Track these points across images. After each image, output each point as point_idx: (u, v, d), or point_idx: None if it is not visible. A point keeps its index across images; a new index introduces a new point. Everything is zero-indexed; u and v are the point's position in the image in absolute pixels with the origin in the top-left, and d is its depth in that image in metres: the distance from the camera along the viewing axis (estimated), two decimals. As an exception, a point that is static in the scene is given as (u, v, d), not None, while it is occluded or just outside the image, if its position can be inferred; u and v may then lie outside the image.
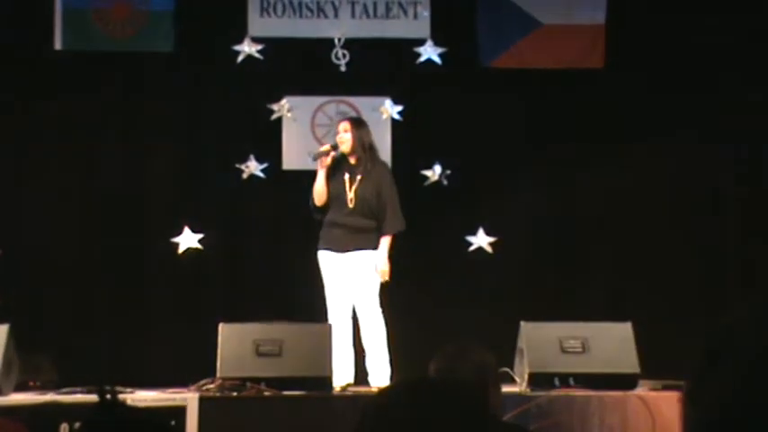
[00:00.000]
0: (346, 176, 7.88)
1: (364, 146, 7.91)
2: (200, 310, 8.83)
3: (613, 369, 7.22)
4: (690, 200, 9.38)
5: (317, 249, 7.90)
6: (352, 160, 7.91)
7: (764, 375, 1.69)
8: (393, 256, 7.84)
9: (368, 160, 7.89)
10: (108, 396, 2.22)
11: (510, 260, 9.29)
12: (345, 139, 7.88)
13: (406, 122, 9.37)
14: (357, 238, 7.82)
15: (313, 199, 7.89)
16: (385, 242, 7.82)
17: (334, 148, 7.93)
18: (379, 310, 7.79)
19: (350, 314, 7.83)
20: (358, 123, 8.06)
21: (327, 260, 7.86)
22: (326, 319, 7.73)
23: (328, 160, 7.89)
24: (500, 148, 9.31)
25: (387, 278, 7.78)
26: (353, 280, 7.79)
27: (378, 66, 9.39)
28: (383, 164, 8.14)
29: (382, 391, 2.28)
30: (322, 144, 8.48)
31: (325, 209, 7.90)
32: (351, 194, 7.85)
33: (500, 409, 4.04)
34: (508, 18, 9.37)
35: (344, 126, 7.96)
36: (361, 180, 7.86)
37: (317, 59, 9.36)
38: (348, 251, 7.81)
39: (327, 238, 7.89)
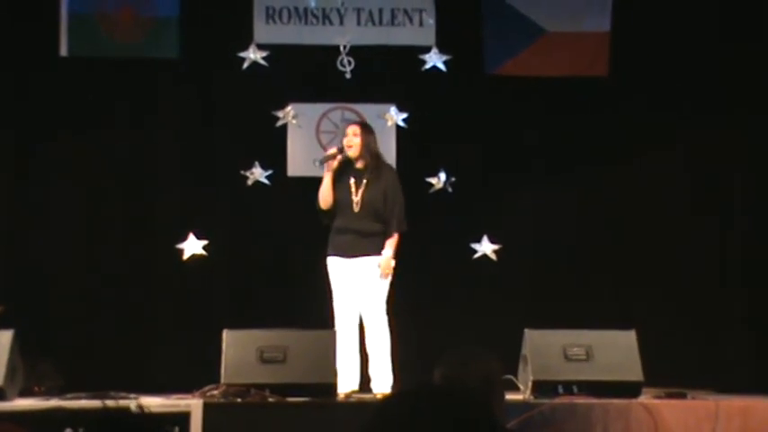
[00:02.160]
0: (352, 180, 7.88)
1: (371, 151, 7.91)
2: (205, 316, 8.84)
3: (617, 377, 7.22)
4: (696, 207, 9.37)
5: (326, 255, 7.92)
6: (359, 165, 7.91)
7: None
8: (397, 258, 7.86)
9: (375, 164, 7.89)
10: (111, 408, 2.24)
11: (514, 268, 9.28)
12: (354, 143, 7.88)
13: (411, 129, 9.37)
14: (364, 242, 7.81)
15: (319, 203, 7.90)
16: (390, 243, 7.82)
17: (341, 151, 7.93)
18: (386, 317, 7.79)
19: (357, 321, 7.83)
20: (367, 128, 8.06)
21: (336, 266, 7.87)
22: (332, 326, 7.73)
23: (335, 163, 7.89)
24: (505, 155, 9.31)
25: (387, 273, 7.76)
26: (361, 286, 7.79)
27: (383, 73, 9.40)
28: (390, 167, 8.15)
29: (387, 398, 2.28)
30: (327, 150, 8.47)
31: (331, 213, 7.90)
32: (357, 198, 7.85)
33: (503, 417, 4.04)
34: (513, 25, 9.37)
35: (354, 130, 7.95)
36: (367, 184, 7.85)
37: (322, 66, 9.36)
38: (356, 256, 7.81)
39: (335, 244, 7.89)
